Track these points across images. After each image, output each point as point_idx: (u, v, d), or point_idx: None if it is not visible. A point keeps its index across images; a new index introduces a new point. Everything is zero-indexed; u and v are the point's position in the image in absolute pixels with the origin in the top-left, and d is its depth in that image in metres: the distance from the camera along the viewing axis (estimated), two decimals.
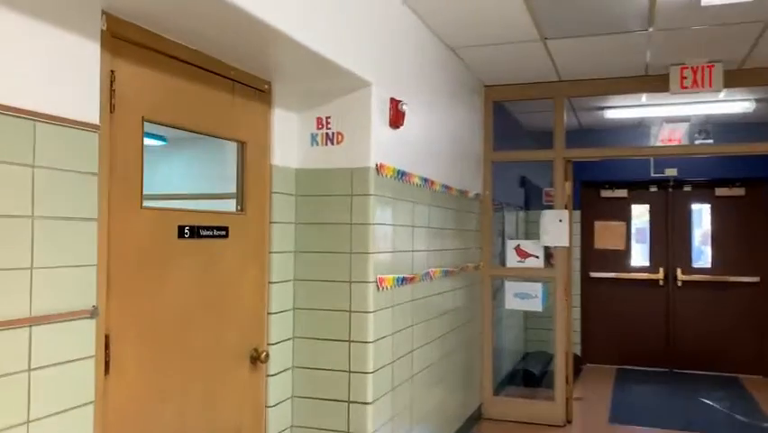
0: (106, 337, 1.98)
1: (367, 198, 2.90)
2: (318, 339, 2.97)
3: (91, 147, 1.90)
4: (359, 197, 2.92)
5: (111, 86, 2.00)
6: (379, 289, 2.95)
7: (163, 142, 2.75)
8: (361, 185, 2.92)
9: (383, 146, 3.02)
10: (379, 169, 2.95)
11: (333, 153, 2.97)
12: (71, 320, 1.83)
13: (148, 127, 2.19)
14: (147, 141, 2.21)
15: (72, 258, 1.83)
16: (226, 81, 2.55)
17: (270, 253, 2.84)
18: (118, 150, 2.04)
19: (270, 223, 2.85)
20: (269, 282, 2.84)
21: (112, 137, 2.01)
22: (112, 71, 2.01)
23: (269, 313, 2.84)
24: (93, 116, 1.90)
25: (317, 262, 2.98)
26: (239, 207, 2.67)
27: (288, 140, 2.96)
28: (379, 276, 2.95)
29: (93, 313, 1.89)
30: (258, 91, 2.75)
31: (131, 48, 2.09)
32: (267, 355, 2.74)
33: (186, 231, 2.32)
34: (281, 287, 2.91)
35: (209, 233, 2.45)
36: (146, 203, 2.17)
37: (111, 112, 2.00)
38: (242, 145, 2.68)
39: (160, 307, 2.21)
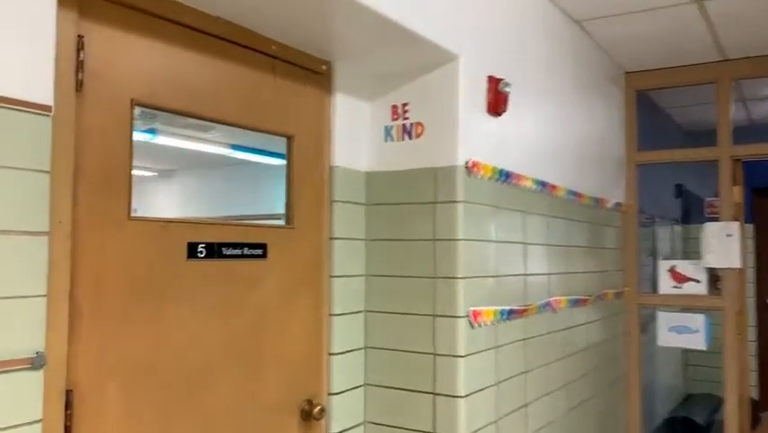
0: (68, 394, 1.46)
1: (454, 206, 2.22)
2: (394, 389, 2.30)
3: (40, 136, 1.40)
4: (444, 205, 2.24)
5: (77, 55, 1.50)
6: (473, 325, 2.24)
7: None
8: (446, 189, 2.24)
9: (477, 139, 2.32)
10: (471, 168, 2.25)
11: (412, 150, 2.32)
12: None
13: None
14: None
15: (6, 287, 1.33)
16: (264, 59, 2.00)
17: (331, 277, 2.24)
18: (91, 141, 1.54)
19: (331, 239, 2.25)
20: (330, 315, 2.23)
21: (80, 124, 1.51)
22: (79, 36, 1.51)
23: (330, 354, 2.22)
24: (42, 94, 1.40)
25: (393, 288, 2.32)
26: (285, 220, 2.09)
27: (355, 135, 2.35)
28: (472, 309, 2.24)
29: (36, 363, 1.36)
30: (311, 73, 2.17)
31: (114, 8, 1.59)
32: (322, 410, 2.11)
33: (200, 249, 1.78)
34: (347, 320, 2.29)
35: (237, 252, 1.89)
36: (145, 214, 1.65)
37: (77, 90, 1.50)
38: (288, 141, 2.11)
39: (160, 350, 1.67)
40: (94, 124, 1.54)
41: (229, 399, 1.85)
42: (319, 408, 2.10)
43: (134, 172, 1.63)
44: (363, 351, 2.37)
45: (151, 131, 2.35)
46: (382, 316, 2.34)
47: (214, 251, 1.82)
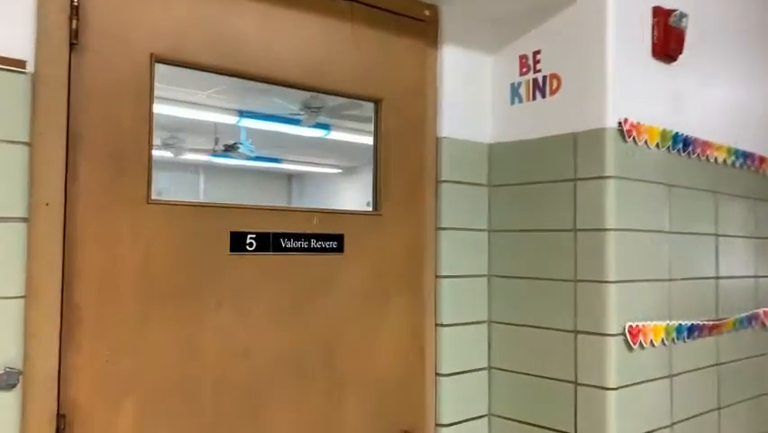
0: (60, 419, 1.17)
1: (601, 183, 1.63)
2: (526, 424, 1.77)
3: (11, 98, 1.12)
4: (587, 182, 1.66)
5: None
6: (631, 346, 1.63)
7: None
8: (590, 161, 1.65)
9: (638, 92, 1.70)
10: (627, 131, 1.64)
11: (546, 112, 1.76)
12: None
13: None
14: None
15: None
16: (339, 3, 1.59)
17: (439, 278, 1.77)
18: (95, 107, 1.24)
19: (438, 230, 1.77)
20: (438, 325, 1.76)
21: (78, 85, 1.22)
22: None
23: (438, 375, 1.76)
24: (14, 45, 1.12)
25: (523, 293, 1.79)
26: (373, 205, 1.66)
27: (471, 96, 1.85)
28: (630, 324, 1.63)
29: (4, 381, 1.08)
30: (408, 20, 1.72)
31: None
32: None
33: (249, 241, 1.41)
34: (462, 333, 1.80)
35: (302, 244, 1.50)
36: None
37: (72, 42, 1.21)
38: (376, 106, 1.68)
39: (191, 365, 1.34)
40: (98, 84, 1.24)
41: (289, 429, 1.47)
42: None
43: (319, 170, 1.32)
44: (486, 372, 1.86)
45: (325, 126, 2.11)
46: (510, 329, 1.81)
47: (270, 243, 1.45)
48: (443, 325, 1.77)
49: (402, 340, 1.68)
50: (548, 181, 1.74)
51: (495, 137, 1.87)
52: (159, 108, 1.32)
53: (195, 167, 2.64)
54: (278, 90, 1.58)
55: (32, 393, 1.14)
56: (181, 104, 1.97)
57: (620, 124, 1.63)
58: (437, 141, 1.79)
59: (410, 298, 1.70)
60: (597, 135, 1.64)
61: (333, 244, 1.55)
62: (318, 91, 1.57)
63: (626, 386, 1.62)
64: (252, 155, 2.46)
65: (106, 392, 1.23)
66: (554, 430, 1.70)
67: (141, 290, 1.28)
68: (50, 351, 1.16)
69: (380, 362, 1.64)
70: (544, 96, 1.77)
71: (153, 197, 1.30)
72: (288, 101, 2.06)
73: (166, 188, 1.42)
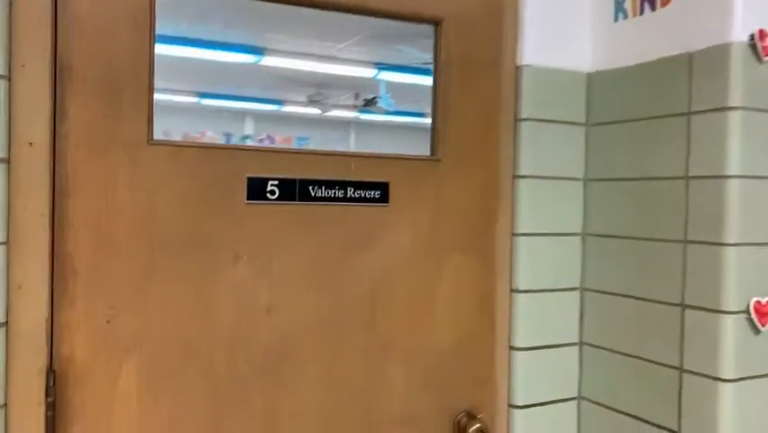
0: (50, 375, 1.09)
1: (724, 116, 1.25)
2: (621, 413, 1.46)
3: None
4: (704, 116, 1.28)
5: None
6: (758, 328, 1.26)
7: None
8: (708, 88, 1.27)
9: None
10: (762, 48, 1.24)
11: (656, 28, 1.39)
12: None
13: None
14: None
15: None
16: None
17: (515, 236, 1.49)
18: (82, 34, 1.11)
19: (516, 178, 1.49)
20: (514, 291, 1.49)
21: (63, 8, 1.10)
22: None
23: (512, 348, 1.50)
24: None
25: (624, 256, 1.46)
26: (430, 149, 1.42)
27: (562, 14, 1.51)
28: (756, 299, 1.26)
29: None
30: None
31: None
32: (479, 431, 1.41)
33: (271, 188, 1.24)
34: (546, 301, 1.52)
35: (336, 193, 1.30)
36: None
37: None
38: (436, 28, 1.41)
39: (203, 325, 1.21)
40: (89, 7, 1.11)
41: (320, 399, 1.30)
42: (477, 427, 1.41)
43: None
44: (577, 348, 1.56)
45: None
46: (608, 299, 1.50)
47: (296, 190, 1.26)
48: (519, 291, 1.49)
49: (465, 306, 1.44)
50: (655, 117, 1.38)
51: (593, 64, 1.53)
52: (290, 63, 1.21)
53: (345, 123, 2.56)
54: (411, 40, 1.41)
55: (17, 346, 1.06)
56: (320, 58, 1.84)
57: (752, 38, 1.23)
58: (517, 70, 1.48)
59: (476, 258, 1.45)
60: (719, 54, 1.25)
61: (376, 194, 1.34)
62: (356, 12, 1.33)
63: (748, 378, 1.26)
64: (391, 109, 2.31)
65: (106, 351, 1.14)
66: (653, 425, 1.38)
67: (145, 241, 1.15)
68: (38, 303, 1.08)
69: (436, 330, 1.41)
70: (653, 8, 1.39)
71: (158, 137, 1.16)
72: (419, 50, 1.86)
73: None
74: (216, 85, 1.23)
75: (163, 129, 1.18)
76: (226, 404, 1.23)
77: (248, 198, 1.23)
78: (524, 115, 1.48)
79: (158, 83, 1.16)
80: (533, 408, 1.51)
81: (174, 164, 1.17)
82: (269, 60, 1.23)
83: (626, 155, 1.44)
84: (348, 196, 1.31)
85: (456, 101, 1.41)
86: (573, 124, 1.53)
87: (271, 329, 1.25)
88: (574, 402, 1.56)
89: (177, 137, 1.28)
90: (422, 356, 1.40)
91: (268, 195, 1.24)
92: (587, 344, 1.55)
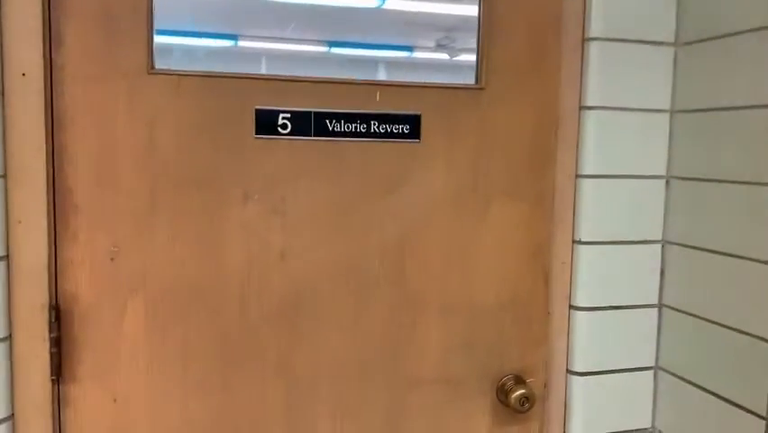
0: (54, 311, 1.08)
1: None
2: (703, 390, 1.24)
3: None
4: None
5: None
6: None
7: None
8: None
9: None
10: None
11: None
12: None
13: None
14: None
15: None
16: None
17: (580, 177, 1.28)
18: None
19: (582, 110, 1.27)
20: (577, 242, 1.29)
21: None
22: None
23: (572, 307, 1.30)
24: None
25: (718, 204, 1.21)
26: (475, 77, 1.23)
27: None
28: None
29: None
30: None
31: None
32: (525, 399, 1.25)
33: (283, 121, 1.13)
34: (617, 255, 1.30)
35: (358, 127, 1.17)
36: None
37: None
38: None
39: (212, 265, 1.14)
40: None
41: (341, 355, 1.20)
42: (523, 395, 1.24)
43: None
44: (656, 310, 1.33)
45: None
46: (695, 254, 1.25)
47: (311, 124, 1.14)
48: (582, 242, 1.28)
49: (513, 259, 1.26)
50: (754, 29, 1.10)
51: None
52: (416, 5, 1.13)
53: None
54: None
55: (19, 281, 1.05)
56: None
57: None
58: None
59: (529, 204, 1.26)
60: None
61: (405, 129, 1.18)
62: None
63: None
64: None
65: (111, 290, 1.10)
66: (741, 408, 1.15)
67: (147, 176, 1.10)
68: (39, 238, 1.06)
69: (478, 285, 1.25)
70: None
71: (159, 66, 1.09)
72: None
73: None
74: (340, 32, 1.14)
75: None
76: (237, 352, 1.16)
77: (257, 133, 1.13)
78: (593, 34, 1.25)
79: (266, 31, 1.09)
80: (596, 375, 1.32)
81: (176, 95, 1.09)
82: (392, 4, 1.11)
83: (730, 79, 1.17)
84: (372, 131, 1.17)
85: (506, 16, 1.21)
86: (658, 43, 1.27)
87: (286, 276, 1.16)
88: (649, 373, 1.34)
89: None
90: (461, 313, 1.25)
91: (279, 129, 1.13)
92: (668, 306, 1.31)
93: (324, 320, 1.19)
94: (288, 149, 1.14)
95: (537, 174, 1.25)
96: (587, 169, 1.27)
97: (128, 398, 1.13)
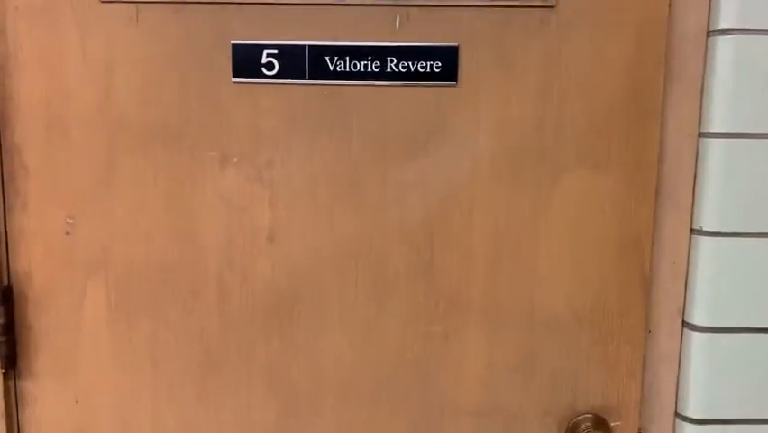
0: (5, 292, 0.91)
1: None
2: None
3: None
4: None
5: None
6: None
7: None
8: None
9: None
10: None
11: None
12: None
13: None
14: None
15: None
16: None
17: (705, 136, 0.87)
18: None
19: (711, 34, 0.85)
20: (696, 232, 0.89)
21: None
22: None
23: (686, 325, 0.91)
24: None
25: None
26: None
27: None
28: None
29: None
30: None
31: None
32: None
33: (267, 60, 0.86)
34: (761, 249, 0.88)
35: (370, 65, 0.86)
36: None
37: None
38: None
39: (186, 241, 0.91)
40: None
41: (348, 369, 0.92)
42: None
43: None
44: None
45: None
46: None
47: (305, 63, 0.86)
48: (706, 232, 0.88)
49: (596, 253, 0.89)
50: None
51: None
52: None
53: None
54: None
55: None
56: None
57: None
58: None
59: (622, 175, 0.87)
60: None
61: (437, 67, 0.85)
62: None
63: None
64: None
65: (68, 269, 0.91)
66: None
67: (102, 132, 0.88)
68: None
69: (541, 285, 0.90)
70: None
71: None
72: None
73: None
74: None
75: None
76: (217, 354, 0.92)
77: (235, 76, 0.86)
78: None
79: None
80: (720, 426, 0.91)
81: (134, 29, 0.86)
82: None
83: None
84: (389, 71, 0.85)
85: None
86: None
87: (275, 262, 0.90)
88: None
89: None
90: (515, 324, 0.91)
91: (263, 70, 0.86)
92: None
93: (328, 322, 0.91)
94: (276, 97, 0.87)
95: (634, 132, 0.86)
96: (715, 124, 0.86)
97: (91, 399, 0.94)
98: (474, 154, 0.87)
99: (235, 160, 0.88)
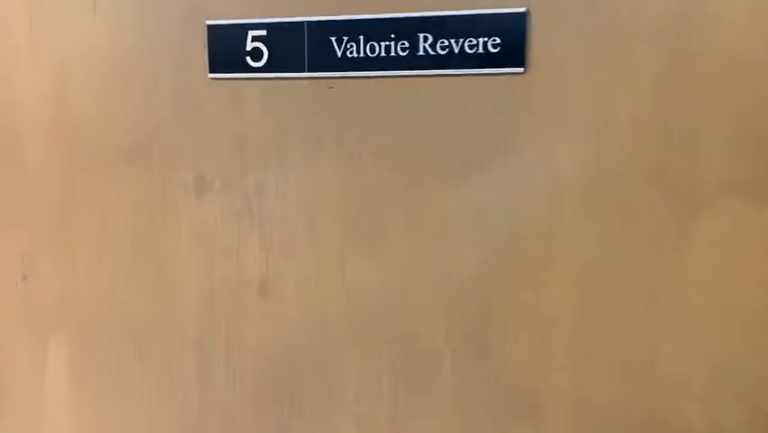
0: None
1: None
2: None
3: None
4: None
5: None
6: None
7: None
8: None
9: None
10: None
11: None
12: None
13: None
14: None
15: None
16: None
17: None
18: None
19: None
20: None
21: None
22: None
23: None
24: None
25: None
26: None
27: None
28: None
29: None
30: None
31: None
32: None
33: (254, 46, 0.62)
34: None
35: (394, 47, 0.58)
36: None
37: None
38: None
39: (163, 302, 0.69)
40: None
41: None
42: None
43: None
44: None
45: None
46: None
47: (303, 47, 0.60)
48: None
49: (756, 328, 0.55)
50: None
51: None
52: None
53: None
54: None
55: None
56: None
57: None
58: None
59: None
60: None
61: (492, 44, 0.56)
62: None
63: None
64: None
65: (26, 322, 0.72)
66: None
67: (58, 147, 0.68)
68: None
69: (661, 384, 0.57)
70: None
71: None
72: None
73: None
74: None
75: None
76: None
77: (212, 70, 0.62)
78: None
79: None
80: None
81: (90, 18, 0.65)
82: None
83: None
84: (422, 53, 0.58)
85: None
86: None
87: (269, 326, 0.65)
88: None
89: None
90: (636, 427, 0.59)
91: (248, 60, 0.62)
92: None
93: (340, 417, 0.65)
94: (266, 97, 0.62)
95: None
96: None
97: None
98: (552, 175, 0.57)
99: (216, 184, 0.64)
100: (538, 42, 0.55)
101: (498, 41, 0.56)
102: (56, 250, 0.70)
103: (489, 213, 0.58)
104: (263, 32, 0.60)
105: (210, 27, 0.62)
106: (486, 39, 0.56)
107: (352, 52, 0.59)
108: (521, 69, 0.56)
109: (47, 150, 0.68)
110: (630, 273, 0.56)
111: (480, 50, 0.56)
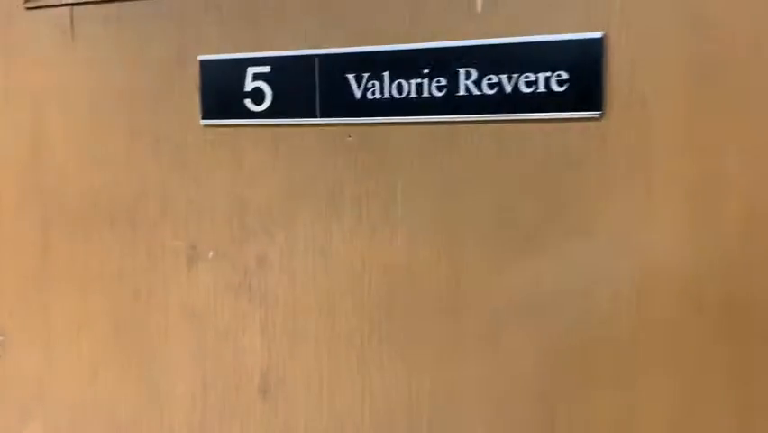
0: None
1: None
2: None
3: None
4: None
5: None
6: None
7: None
8: None
9: None
10: None
11: None
12: None
13: None
14: None
15: None
16: None
17: None
18: None
19: None
20: None
21: None
22: None
23: None
24: None
25: None
26: None
27: None
28: None
29: None
30: None
31: None
32: None
33: (254, 85, 0.50)
34: None
35: (429, 86, 0.45)
36: None
37: None
38: None
39: (148, 400, 0.57)
40: None
41: None
42: None
43: None
44: None
45: None
46: None
47: (314, 87, 0.48)
48: None
49: None
50: None
51: None
52: None
53: None
54: None
55: None
56: None
57: None
58: None
59: None
60: None
61: (557, 81, 0.42)
62: None
63: None
64: None
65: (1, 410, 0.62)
66: None
67: (34, 207, 0.58)
68: None
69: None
70: None
71: None
72: None
73: None
74: None
75: None
76: None
77: (204, 116, 0.51)
78: None
79: None
80: None
81: (68, 49, 0.55)
82: None
83: None
84: (463, 92, 0.44)
85: None
86: None
87: (271, 430, 0.52)
88: None
89: None
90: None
91: (248, 103, 0.49)
92: None
93: None
94: (269, 148, 0.50)
95: None
96: None
97: None
98: (639, 258, 0.42)
99: (210, 254, 0.52)
100: (619, 77, 0.41)
101: (565, 76, 0.42)
102: (29, 328, 0.59)
103: (551, 306, 0.44)
104: (266, 69, 0.48)
105: (203, 63, 0.50)
106: (549, 73, 0.42)
107: (374, 93, 0.46)
108: (597, 114, 0.42)
109: (19, 209, 0.58)
110: (738, 396, 0.40)
111: (541, 89, 0.42)
